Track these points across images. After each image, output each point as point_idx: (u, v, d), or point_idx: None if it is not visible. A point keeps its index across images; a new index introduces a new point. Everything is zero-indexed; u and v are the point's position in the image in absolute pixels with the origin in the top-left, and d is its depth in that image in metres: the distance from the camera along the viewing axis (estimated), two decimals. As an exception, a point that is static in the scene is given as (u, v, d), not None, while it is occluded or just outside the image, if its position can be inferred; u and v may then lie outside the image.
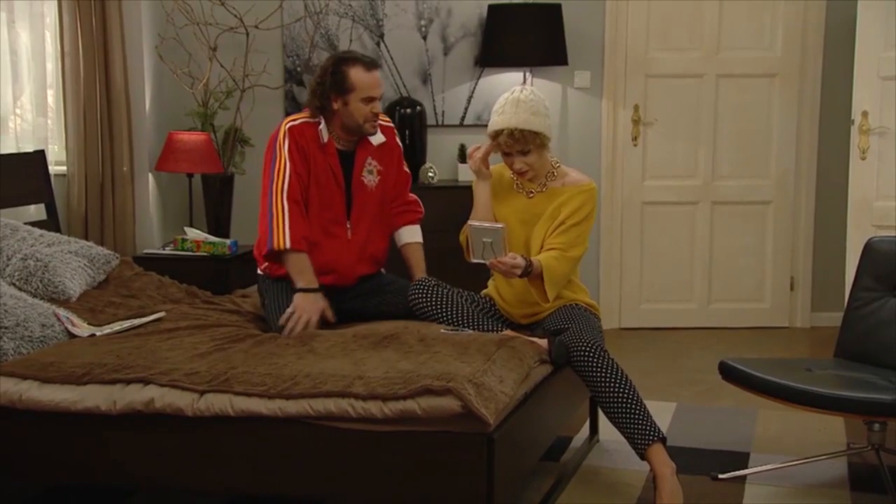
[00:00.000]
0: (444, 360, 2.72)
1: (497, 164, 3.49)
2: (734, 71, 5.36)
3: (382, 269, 3.64)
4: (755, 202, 5.45)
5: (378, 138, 3.47)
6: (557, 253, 3.23)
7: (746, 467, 3.34)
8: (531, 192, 3.37)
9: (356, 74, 3.32)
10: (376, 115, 3.39)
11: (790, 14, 5.29)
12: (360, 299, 3.49)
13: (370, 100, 3.35)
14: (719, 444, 3.59)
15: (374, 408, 2.55)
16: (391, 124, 3.59)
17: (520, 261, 3.11)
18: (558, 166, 3.40)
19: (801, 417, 3.78)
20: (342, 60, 3.35)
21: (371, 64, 3.37)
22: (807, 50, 5.30)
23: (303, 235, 3.30)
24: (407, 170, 3.65)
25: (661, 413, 3.82)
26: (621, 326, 5.47)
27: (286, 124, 3.39)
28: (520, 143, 3.22)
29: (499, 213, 3.37)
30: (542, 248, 3.29)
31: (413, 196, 3.67)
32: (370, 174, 3.46)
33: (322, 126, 3.38)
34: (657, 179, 5.44)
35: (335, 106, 3.34)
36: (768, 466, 3.30)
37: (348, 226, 3.44)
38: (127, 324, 3.19)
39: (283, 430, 2.61)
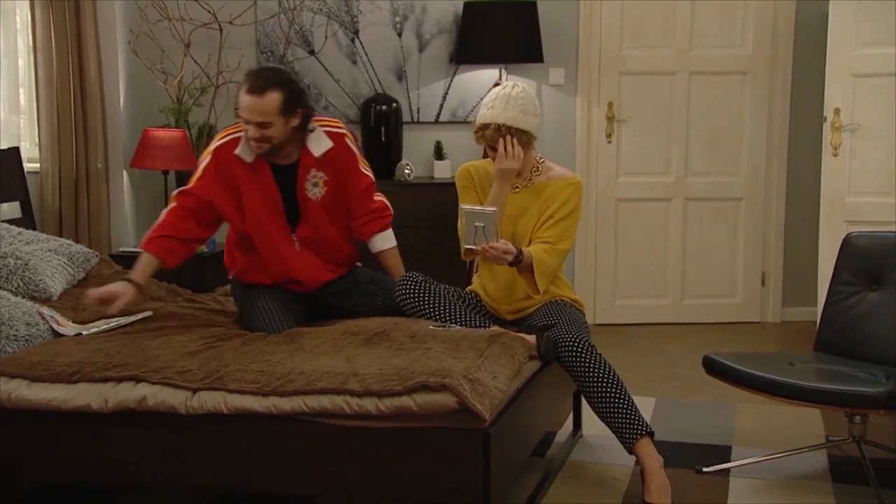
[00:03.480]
0: (436, 357, 2.73)
1: (482, 161, 3.50)
2: (706, 68, 5.42)
3: (359, 263, 3.60)
4: (727, 198, 5.52)
5: (320, 146, 3.32)
6: (547, 246, 3.25)
7: (729, 460, 3.38)
8: (516, 187, 3.37)
9: (239, 95, 3.20)
10: (256, 139, 3.19)
11: (761, 12, 5.36)
12: (337, 298, 3.45)
13: (245, 121, 3.19)
14: (701, 438, 3.63)
15: (370, 404, 2.54)
16: (342, 130, 3.42)
17: (511, 247, 3.12)
18: (542, 161, 3.41)
19: (779, 411, 3.85)
20: (243, 77, 3.24)
21: (252, 88, 3.15)
22: (777, 47, 5.38)
23: (161, 243, 3.29)
24: (367, 173, 3.47)
25: (642, 408, 3.77)
26: (596, 322, 5.51)
27: (216, 142, 3.33)
28: (505, 137, 3.23)
29: None
30: (530, 242, 3.30)
31: (379, 201, 3.53)
32: (315, 186, 3.33)
33: (240, 147, 3.27)
34: (631, 176, 5.49)
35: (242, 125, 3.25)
36: (751, 459, 3.35)
37: (294, 239, 3.34)
38: (113, 322, 3.15)
39: (277, 428, 2.59)
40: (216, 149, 3.31)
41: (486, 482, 2.51)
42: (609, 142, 5.45)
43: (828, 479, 3.25)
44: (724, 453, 3.47)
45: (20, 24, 4.42)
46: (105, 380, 2.67)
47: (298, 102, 3.22)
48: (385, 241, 3.54)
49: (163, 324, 3.15)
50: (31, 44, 4.41)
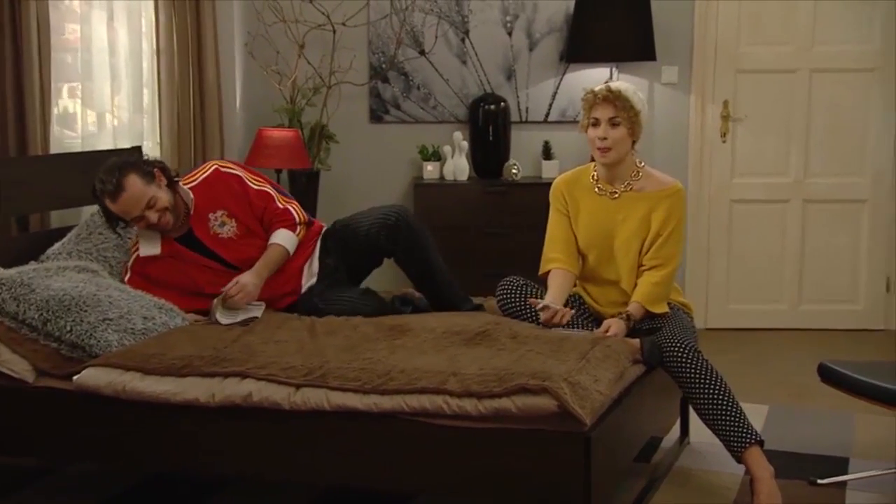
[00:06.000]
0: (537, 359, 2.70)
1: (575, 170, 3.46)
2: (829, 65, 5.22)
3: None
4: (849, 200, 5.30)
5: (188, 196, 3.41)
6: (658, 276, 3.22)
7: (846, 473, 3.25)
8: (615, 193, 3.31)
9: (111, 207, 3.28)
10: (158, 221, 3.29)
11: (890, 6, 5.12)
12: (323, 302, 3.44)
13: (138, 219, 3.29)
14: (816, 448, 3.50)
15: (469, 405, 2.54)
16: (210, 167, 3.51)
17: (615, 329, 3.10)
18: (642, 166, 3.34)
19: (902, 423, 3.67)
20: (95, 195, 3.30)
21: (114, 191, 3.25)
22: (907, 43, 5.14)
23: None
24: (260, 188, 3.49)
25: (754, 415, 3.70)
26: (707, 327, 5.37)
27: (132, 260, 3.43)
28: (613, 107, 3.19)
29: (578, 220, 3.35)
30: (639, 265, 3.26)
31: (282, 206, 3.49)
32: (223, 227, 3.40)
33: (142, 247, 3.38)
34: (746, 177, 5.33)
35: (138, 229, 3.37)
36: (870, 473, 3.21)
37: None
38: (241, 316, 3.25)
39: (377, 425, 2.62)
40: (134, 268, 3.41)
41: (586, 486, 2.48)
42: (724, 141, 5.31)
43: (953, 496, 3.09)
44: (840, 465, 3.33)
45: (145, 27, 4.58)
46: (213, 375, 2.74)
47: (146, 165, 3.34)
48: (276, 237, 3.45)
49: (267, 323, 3.21)
50: (154, 46, 4.57)
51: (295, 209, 3.52)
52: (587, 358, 2.72)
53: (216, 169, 3.51)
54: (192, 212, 3.41)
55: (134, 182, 3.26)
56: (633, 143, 3.30)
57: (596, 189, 3.34)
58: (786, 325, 5.35)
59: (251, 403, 2.67)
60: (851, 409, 3.83)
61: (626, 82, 3.36)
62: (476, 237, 5.07)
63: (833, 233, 5.32)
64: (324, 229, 3.65)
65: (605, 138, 3.21)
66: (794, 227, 5.34)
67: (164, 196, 3.32)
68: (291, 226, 3.48)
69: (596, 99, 3.23)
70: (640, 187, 3.30)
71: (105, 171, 3.30)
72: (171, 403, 2.74)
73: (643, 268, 3.26)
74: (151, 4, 4.54)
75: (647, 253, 3.26)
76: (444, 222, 5.01)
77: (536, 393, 2.49)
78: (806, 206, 5.32)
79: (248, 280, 3.29)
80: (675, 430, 3.63)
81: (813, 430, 3.73)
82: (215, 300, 3.24)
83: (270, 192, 3.52)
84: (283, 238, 3.44)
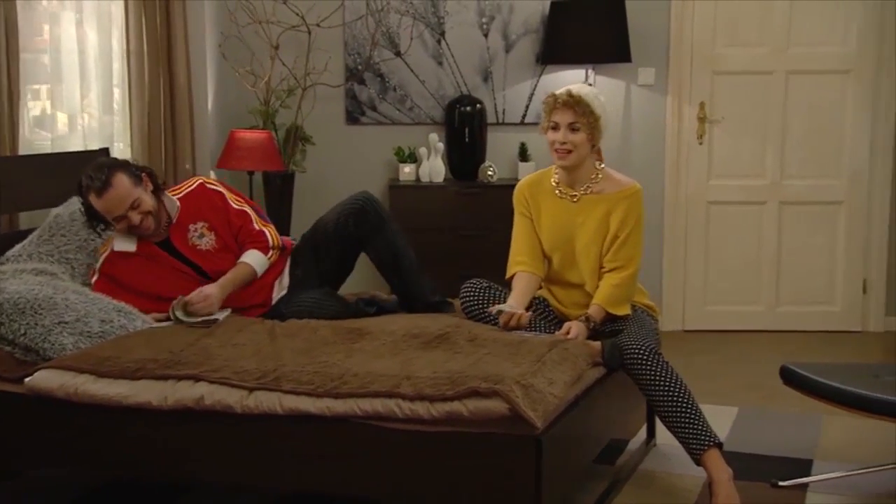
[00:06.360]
0: (492, 362, 2.69)
1: (538, 172, 3.46)
2: (805, 67, 5.21)
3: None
4: (826, 202, 5.29)
5: (173, 206, 3.44)
6: (618, 278, 3.21)
7: (809, 475, 3.24)
8: (575, 196, 3.31)
9: (95, 205, 3.29)
10: (140, 223, 3.31)
11: (866, 7, 5.12)
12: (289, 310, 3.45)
13: (120, 219, 3.30)
14: (781, 451, 3.49)
15: (422, 409, 2.53)
16: (195, 181, 3.55)
17: (574, 331, 3.10)
18: (602, 168, 3.33)
19: (869, 425, 3.65)
20: (80, 191, 3.30)
21: (101, 187, 3.25)
22: (884, 44, 5.12)
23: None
24: (240, 207, 3.53)
25: (722, 417, 3.74)
26: (685, 328, 5.36)
27: (100, 262, 3.41)
28: (573, 112, 3.17)
29: (540, 223, 3.35)
30: (600, 267, 3.25)
31: (259, 228, 3.52)
32: (201, 238, 3.43)
33: (118, 242, 3.39)
34: (723, 178, 5.32)
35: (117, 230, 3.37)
36: (832, 475, 3.21)
37: None
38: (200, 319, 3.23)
39: (330, 429, 2.60)
40: (103, 269, 3.40)
41: (538, 489, 2.47)
42: (700, 143, 5.30)
43: (914, 499, 3.09)
44: (804, 467, 3.33)
45: (115, 28, 4.56)
46: (166, 378, 2.73)
47: (136, 168, 3.37)
48: (246, 255, 3.47)
49: (228, 324, 3.20)
50: (125, 47, 4.56)
51: (270, 233, 3.55)
52: (543, 361, 2.71)
53: (201, 184, 3.56)
54: (174, 221, 3.44)
55: (122, 181, 3.29)
56: (593, 146, 3.29)
57: (557, 192, 3.33)
58: (763, 327, 5.35)
59: (203, 407, 2.66)
60: (819, 411, 3.81)
61: (587, 86, 3.35)
62: (452, 239, 5.06)
63: (810, 234, 5.32)
64: (294, 246, 3.67)
65: (564, 142, 3.21)
66: (770, 229, 5.33)
67: (148, 199, 3.34)
68: (264, 248, 3.50)
69: (556, 103, 3.22)
70: (599, 189, 3.29)
71: (94, 167, 3.33)
72: (123, 406, 2.72)
73: (604, 270, 3.26)
74: (121, 5, 4.52)
75: (606, 255, 3.25)
76: (420, 224, 4.99)
77: (488, 396, 2.48)
78: (782, 207, 5.31)
79: (212, 292, 3.30)
80: (643, 433, 3.62)
81: (779, 432, 3.72)
82: (175, 302, 3.23)
83: (249, 212, 3.56)
84: (254, 259, 3.47)
